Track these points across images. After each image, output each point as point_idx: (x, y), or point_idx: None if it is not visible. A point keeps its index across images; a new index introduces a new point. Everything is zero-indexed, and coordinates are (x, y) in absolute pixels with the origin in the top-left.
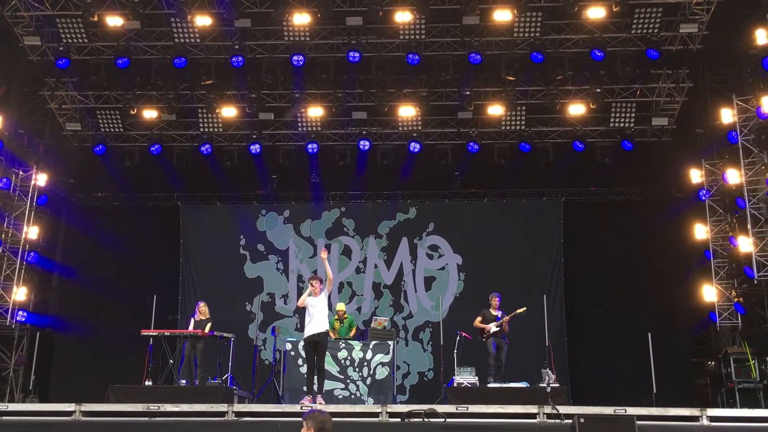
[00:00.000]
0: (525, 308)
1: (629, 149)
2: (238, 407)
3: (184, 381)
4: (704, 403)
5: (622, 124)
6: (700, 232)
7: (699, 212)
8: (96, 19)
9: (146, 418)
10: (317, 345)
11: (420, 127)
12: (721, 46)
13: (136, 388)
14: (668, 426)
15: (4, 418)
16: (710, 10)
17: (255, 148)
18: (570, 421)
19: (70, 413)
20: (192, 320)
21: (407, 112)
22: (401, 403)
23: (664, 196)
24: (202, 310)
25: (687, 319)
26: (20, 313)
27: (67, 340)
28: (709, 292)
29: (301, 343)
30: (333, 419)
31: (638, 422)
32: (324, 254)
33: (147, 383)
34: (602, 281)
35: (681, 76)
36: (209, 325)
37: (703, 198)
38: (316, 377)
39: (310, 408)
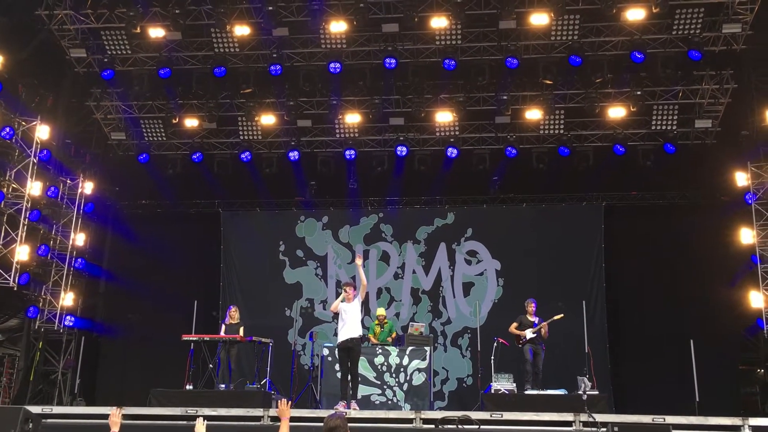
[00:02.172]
0: (562, 315)
1: (672, 152)
2: (274, 412)
3: (223, 385)
4: (753, 412)
5: (664, 127)
6: (747, 236)
7: (745, 216)
8: (138, 30)
9: (184, 422)
10: (350, 351)
11: (457, 133)
12: (766, 46)
13: (176, 392)
14: None
15: (49, 420)
16: (754, 10)
17: (293, 155)
18: (604, 429)
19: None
20: (223, 325)
21: (444, 117)
22: (440, 409)
23: (708, 200)
24: (233, 314)
25: (733, 325)
26: (68, 317)
27: (113, 344)
28: (757, 298)
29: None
30: (367, 424)
31: (675, 431)
32: (359, 260)
33: (188, 387)
34: (644, 287)
35: (725, 77)
36: (242, 329)
37: (750, 201)
38: (350, 383)
39: (344, 413)
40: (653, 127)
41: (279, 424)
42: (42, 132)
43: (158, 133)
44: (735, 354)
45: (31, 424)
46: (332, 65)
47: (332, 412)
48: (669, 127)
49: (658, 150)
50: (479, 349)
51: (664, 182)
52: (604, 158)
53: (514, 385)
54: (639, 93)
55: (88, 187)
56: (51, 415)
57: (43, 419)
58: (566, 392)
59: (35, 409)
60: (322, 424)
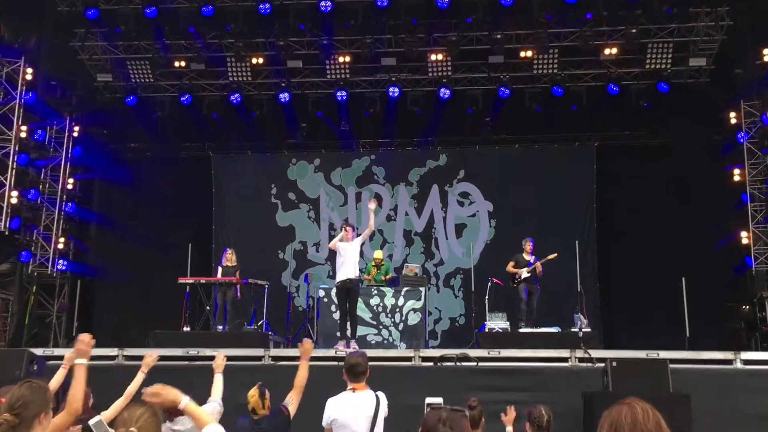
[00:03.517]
0: (556, 254)
1: (665, 91)
2: (275, 352)
3: (220, 327)
4: (739, 347)
5: (658, 66)
6: (738, 175)
7: (737, 155)
8: None
9: (186, 362)
10: (349, 291)
11: (450, 73)
12: None
13: (174, 334)
14: (701, 369)
15: (51, 362)
16: None
17: (284, 96)
18: (602, 365)
19: (113, 357)
20: (220, 268)
21: (437, 57)
22: (433, 348)
23: (701, 140)
24: (230, 257)
25: (722, 263)
26: (60, 261)
27: (106, 288)
28: (745, 236)
29: (334, 290)
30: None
31: (671, 365)
32: (372, 204)
33: (185, 329)
34: (636, 226)
35: (720, 14)
36: (238, 272)
37: (742, 140)
38: (348, 323)
39: (344, 352)
40: (647, 66)
41: (280, 363)
42: (26, 74)
43: (145, 75)
44: (723, 291)
45: (35, 366)
46: (323, 3)
47: (332, 350)
48: (663, 66)
49: (652, 89)
50: (473, 289)
51: (657, 122)
52: (598, 98)
53: (508, 323)
54: (634, 31)
55: (75, 130)
56: (52, 356)
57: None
58: (560, 330)
59: (36, 352)
60: (320, 363)
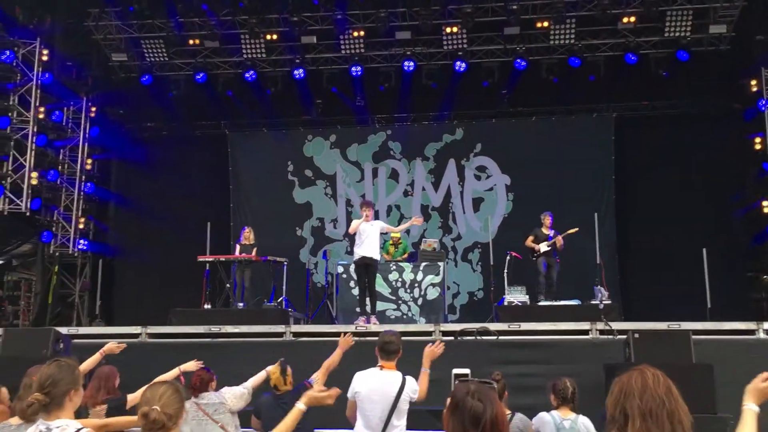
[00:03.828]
0: (576, 228)
1: (685, 60)
2: (295, 328)
3: (241, 304)
4: (761, 317)
5: (677, 34)
6: (759, 143)
7: (758, 123)
8: None
9: (208, 339)
10: (368, 267)
11: (465, 45)
12: None
13: (196, 312)
14: (724, 340)
15: (76, 340)
16: None
17: (298, 72)
18: (624, 336)
19: (137, 335)
20: (237, 246)
21: (452, 29)
22: (452, 322)
23: (721, 109)
24: (247, 235)
25: (743, 233)
26: (81, 241)
27: (127, 266)
28: (766, 205)
29: (353, 266)
30: None
31: (693, 337)
32: (417, 221)
33: (206, 307)
34: (655, 197)
35: None
36: (255, 249)
37: (763, 108)
38: (368, 298)
39: (364, 328)
40: (666, 34)
41: (301, 339)
42: (42, 54)
43: (160, 53)
44: (744, 262)
45: (62, 344)
46: None
47: (352, 326)
48: (682, 34)
49: (671, 58)
50: (492, 263)
51: (676, 91)
52: (616, 68)
53: (527, 297)
54: None
55: (92, 111)
56: (78, 335)
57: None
58: (580, 302)
59: (61, 330)
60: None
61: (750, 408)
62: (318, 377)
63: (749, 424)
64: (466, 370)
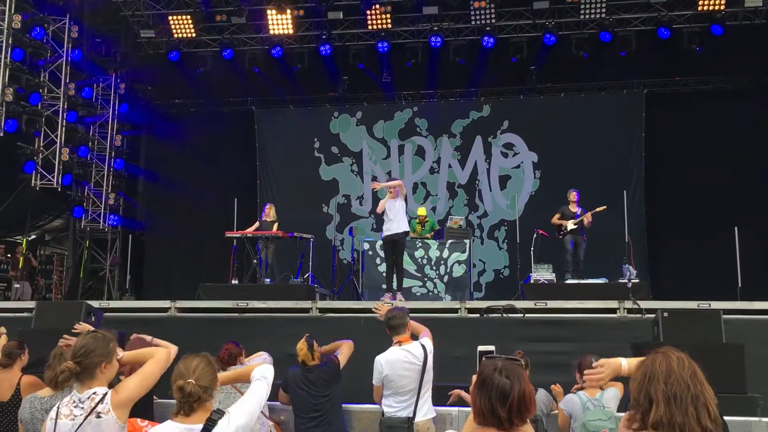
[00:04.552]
0: (604, 207)
1: (719, 34)
2: (321, 304)
3: (267, 280)
4: None
5: (711, 8)
6: None
7: None
8: None
9: (236, 314)
10: (396, 243)
11: (493, 20)
12: None
13: (224, 286)
14: (755, 320)
15: (108, 314)
16: None
17: (325, 48)
18: (653, 315)
19: (166, 309)
20: (258, 222)
21: (480, 4)
22: (478, 299)
23: (755, 84)
24: (269, 212)
25: None
26: (111, 217)
27: (156, 242)
28: None
29: (379, 243)
30: (413, 314)
31: (724, 316)
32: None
33: (233, 282)
34: (686, 175)
35: None
36: (276, 225)
37: None
38: (394, 275)
39: (390, 304)
40: (700, 8)
41: (327, 315)
42: (72, 31)
43: (187, 30)
44: None
45: (93, 318)
46: None
47: (377, 302)
48: (717, 7)
49: (705, 32)
50: (518, 241)
51: (709, 67)
52: (647, 43)
53: (554, 275)
54: None
55: (121, 87)
56: (108, 309)
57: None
58: (607, 281)
59: (93, 304)
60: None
61: None
62: (343, 350)
63: None
64: (491, 347)
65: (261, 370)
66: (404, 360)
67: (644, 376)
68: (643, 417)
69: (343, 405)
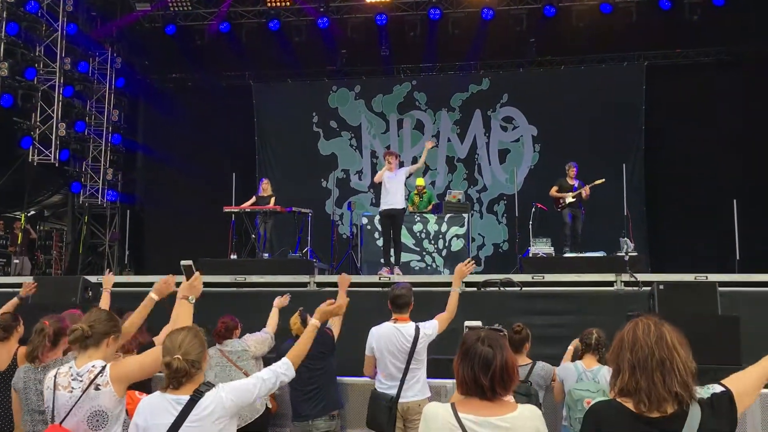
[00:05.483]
0: (603, 179)
1: (720, 5)
2: (319, 278)
3: (266, 255)
4: None
5: None
6: None
7: None
8: None
9: (235, 289)
10: (393, 218)
11: None
12: None
13: (222, 261)
14: (752, 292)
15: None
16: None
17: (323, 21)
18: (649, 288)
19: None
20: (254, 197)
21: None
22: (476, 273)
23: (757, 56)
24: (265, 187)
25: None
26: (109, 192)
27: (154, 217)
28: None
29: (377, 217)
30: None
31: (720, 288)
32: (430, 145)
33: (232, 257)
34: (686, 147)
35: None
36: (273, 199)
37: None
38: (392, 249)
39: (388, 278)
40: None
41: (325, 289)
42: (67, 4)
43: (184, 3)
44: None
45: (90, 292)
46: None
47: (376, 276)
48: None
49: (706, 3)
50: (517, 215)
51: (709, 38)
52: (648, 13)
53: (552, 248)
54: None
55: (117, 62)
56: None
57: (101, 287)
58: (605, 254)
59: (91, 279)
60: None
61: None
62: (334, 322)
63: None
64: (478, 323)
65: (284, 368)
66: (393, 337)
67: (615, 346)
68: (614, 386)
69: (339, 378)
